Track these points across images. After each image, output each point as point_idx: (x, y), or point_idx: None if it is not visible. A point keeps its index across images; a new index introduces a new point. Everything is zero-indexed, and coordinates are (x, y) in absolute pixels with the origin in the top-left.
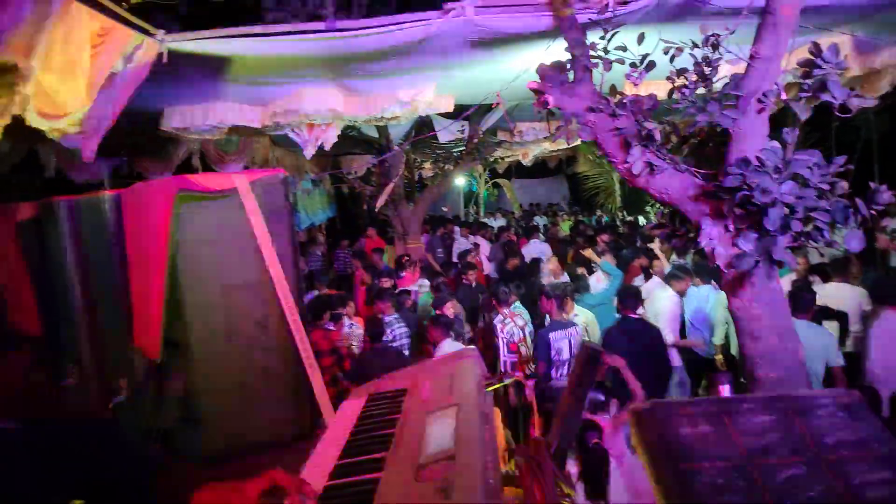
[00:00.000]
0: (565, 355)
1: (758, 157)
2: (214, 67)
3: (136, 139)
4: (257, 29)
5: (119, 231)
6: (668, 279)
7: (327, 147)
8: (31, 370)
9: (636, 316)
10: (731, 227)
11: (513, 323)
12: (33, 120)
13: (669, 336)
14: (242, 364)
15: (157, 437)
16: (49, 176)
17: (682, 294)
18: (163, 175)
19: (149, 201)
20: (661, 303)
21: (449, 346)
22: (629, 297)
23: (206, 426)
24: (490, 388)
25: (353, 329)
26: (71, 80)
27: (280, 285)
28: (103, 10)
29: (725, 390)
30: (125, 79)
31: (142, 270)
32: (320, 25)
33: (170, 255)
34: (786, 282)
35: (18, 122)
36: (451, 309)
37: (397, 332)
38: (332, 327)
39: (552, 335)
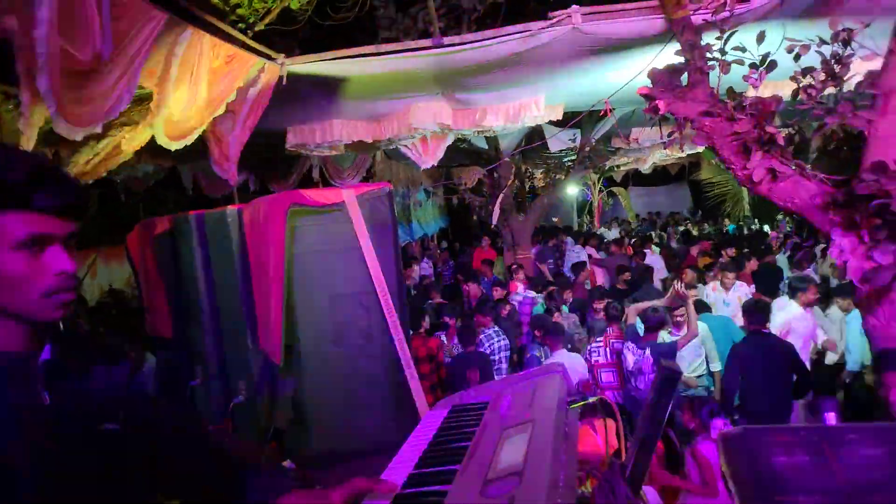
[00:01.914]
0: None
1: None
2: (331, 87)
3: (262, 156)
4: (369, 49)
5: (241, 242)
6: (793, 292)
7: (437, 159)
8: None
9: (767, 331)
10: (866, 238)
11: (606, 345)
12: (163, 142)
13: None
14: (348, 370)
15: (271, 436)
16: (189, 193)
17: (809, 306)
18: (287, 189)
19: (266, 215)
20: (789, 320)
21: (565, 356)
22: (758, 312)
23: (314, 428)
24: (574, 406)
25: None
26: (193, 106)
27: (384, 295)
28: (228, 37)
29: (831, 418)
30: (252, 102)
31: (262, 279)
32: (428, 42)
33: (286, 265)
34: None
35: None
36: (559, 317)
37: (496, 345)
38: (443, 336)
39: (630, 345)
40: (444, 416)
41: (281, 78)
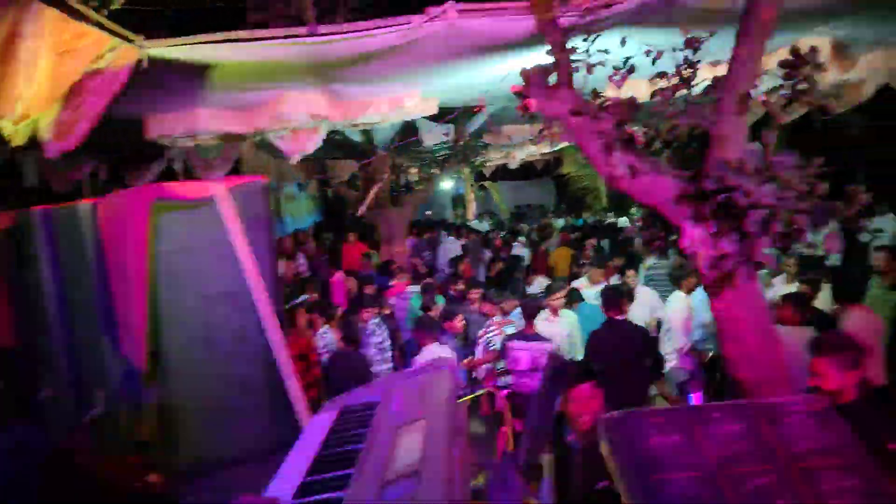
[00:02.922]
0: (522, 366)
1: (738, 160)
2: (197, 74)
3: (118, 146)
4: (240, 34)
5: (97, 240)
6: (676, 279)
7: (310, 151)
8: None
9: (622, 317)
10: (713, 230)
11: (497, 331)
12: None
13: (681, 339)
14: (220, 374)
15: (134, 449)
16: (30, 185)
17: (690, 292)
18: (146, 182)
19: (126, 210)
20: (672, 304)
21: (436, 350)
22: (614, 298)
23: (183, 438)
24: (462, 400)
25: (326, 335)
26: (35, 84)
27: (259, 294)
28: (77, 14)
29: (697, 398)
30: (99, 84)
31: (122, 280)
32: (302, 31)
33: (149, 264)
34: (779, 282)
35: None
36: (460, 322)
37: (380, 336)
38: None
39: (511, 343)
40: (332, 419)
41: (140, 61)
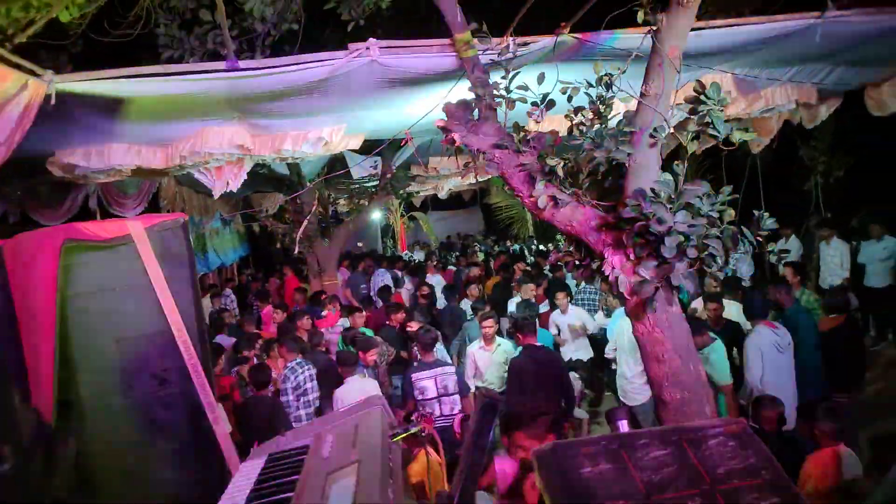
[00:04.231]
0: (430, 394)
1: (652, 189)
2: (109, 108)
3: (26, 185)
4: (155, 69)
5: (3, 285)
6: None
7: (235, 188)
8: None
9: (538, 344)
10: (632, 256)
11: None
12: None
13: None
14: (140, 421)
15: None
16: None
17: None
18: (58, 221)
19: (34, 252)
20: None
21: (355, 383)
22: (528, 325)
23: (102, 492)
24: (396, 439)
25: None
26: None
27: (180, 335)
28: None
29: (623, 426)
30: (9, 122)
31: (29, 327)
32: (221, 65)
33: (58, 309)
34: (699, 304)
35: None
36: (373, 356)
37: (301, 376)
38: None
39: (415, 375)
40: (261, 467)
41: (48, 96)
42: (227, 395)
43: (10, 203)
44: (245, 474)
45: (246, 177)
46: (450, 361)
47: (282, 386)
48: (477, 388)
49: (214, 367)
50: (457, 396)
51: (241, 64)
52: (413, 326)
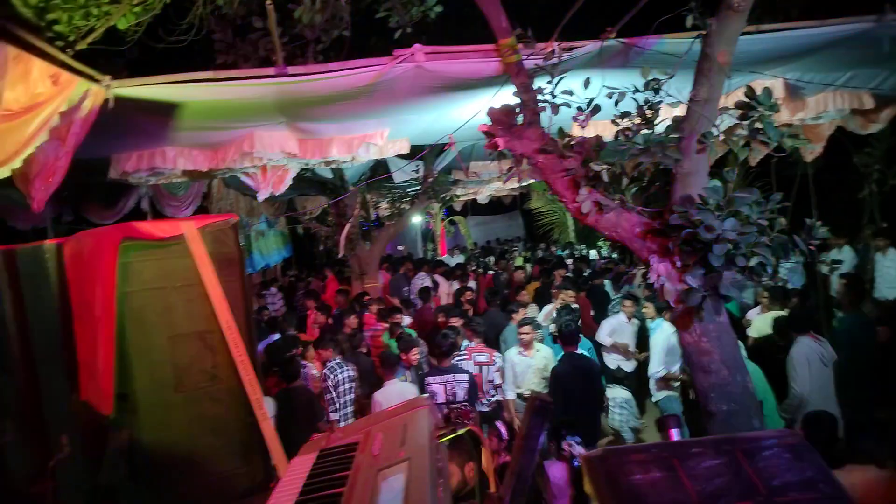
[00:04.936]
0: (438, 399)
1: (700, 196)
2: (163, 112)
3: (83, 185)
4: (206, 74)
5: (62, 281)
6: (660, 309)
7: (280, 191)
8: None
9: (578, 352)
10: (679, 264)
11: (467, 357)
12: None
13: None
14: (191, 416)
15: (101, 495)
16: None
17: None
18: (112, 221)
19: (93, 250)
20: (655, 332)
21: (395, 386)
22: (571, 334)
23: (153, 482)
24: (444, 439)
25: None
26: (13, 129)
27: (230, 333)
28: (48, 57)
29: (675, 434)
30: (73, 127)
31: (87, 322)
32: (271, 71)
33: (116, 305)
34: (754, 313)
35: None
36: (415, 355)
37: (340, 376)
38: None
39: (427, 379)
40: (312, 462)
41: (107, 101)
42: (273, 395)
43: (66, 203)
44: (297, 468)
45: (290, 182)
46: (466, 370)
47: (322, 385)
48: (532, 393)
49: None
50: (465, 406)
51: (290, 70)
52: (456, 323)
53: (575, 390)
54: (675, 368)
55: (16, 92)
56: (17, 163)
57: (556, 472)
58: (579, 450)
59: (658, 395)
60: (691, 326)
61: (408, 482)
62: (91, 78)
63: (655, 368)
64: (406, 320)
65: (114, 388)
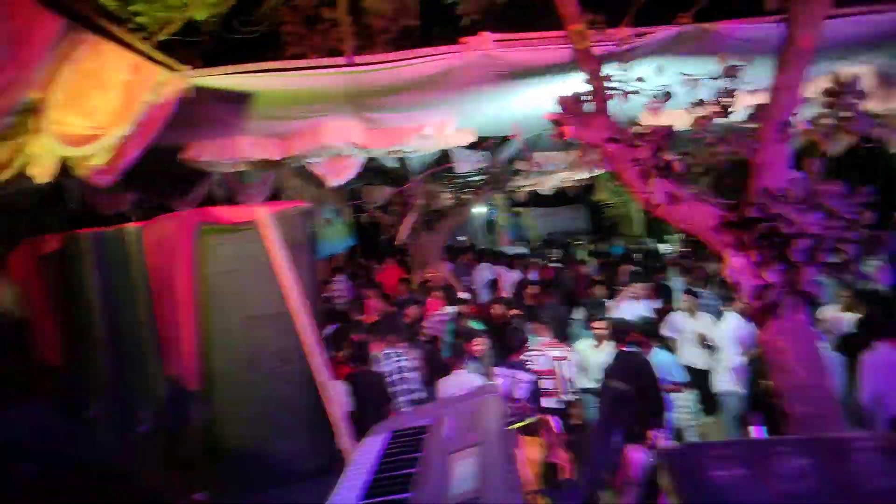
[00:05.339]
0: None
1: (781, 188)
2: (236, 101)
3: (161, 172)
4: (277, 64)
5: (142, 263)
6: (729, 301)
7: (346, 180)
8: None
9: (630, 349)
10: (756, 259)
11: (543, 353)
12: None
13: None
14: (263, 395)
15: (180, 468)
16: (74, 208)
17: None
18: (188, 207)
19: (171, 234)
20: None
21: (461, 376)
22: (621, 331)
23: (227, 457)
24: (513, 427)
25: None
26: (98, 115)
27: (300, 317)
28: (131, 48)
29: (759, 431)
30: (152, 114)
31: (168, 301)
32: (340, 60)
33: (197, 286)
34: (830, 310)
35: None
36: (478, 346)
37: (397, 364)
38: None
39: (496, 369)
40: (384, 443)
41: (184, 90)
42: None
43: (146, 190)
44: (368, 448)
45: (357, 171)
46: (531, 370)
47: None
48: (608, 383)
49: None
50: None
51: (358, 59)
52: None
53: (629, 392)
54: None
55: (101, 81)
56: (107, 141)
57: (637, 459)
58: (665, 443)
59: (722, 387)
60: (768, 324)
61: (480, 466)
62: (170, 68)
63: (724, 358)
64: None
65: (196, 365)
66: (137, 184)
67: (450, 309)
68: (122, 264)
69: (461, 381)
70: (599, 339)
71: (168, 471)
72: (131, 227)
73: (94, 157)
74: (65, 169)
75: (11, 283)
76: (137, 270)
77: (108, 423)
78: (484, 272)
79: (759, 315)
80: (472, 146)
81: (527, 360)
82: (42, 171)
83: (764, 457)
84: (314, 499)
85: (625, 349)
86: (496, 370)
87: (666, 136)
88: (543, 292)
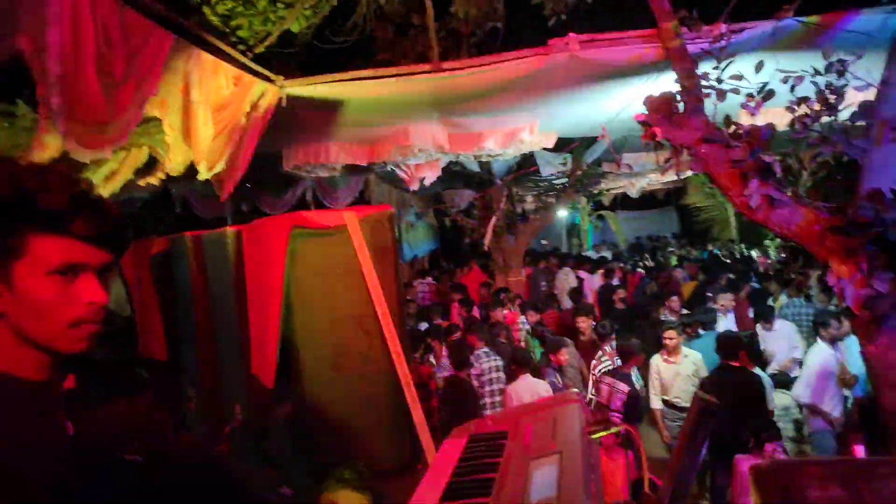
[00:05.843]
0: (601, 399)
1: (892, 190)
2: (327, 109)
3: (257, 177)
4: (367, 72)
5: (239, 264)
6: (817, 326)
7: (430, 182)
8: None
9: (736, 364)
10: (864, 266)
11: (610, 361)
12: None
13: (806, 394)
14: (347, 394)
15: (267, 462)
16: (178, 212)
17: (833, 343)
18: (281, 210)
19: (266, 236)
20: (811, 356)
21: (528, 381)
22: (728, 345)
23: (309, 454)
24: (595, 436)
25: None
26: (207, 128)
27: (384, 319)
28: (233, 61)
29: (860, 451)
30: (253, 124)
31: (259, 302)
32: (426, 66)
33: (285, 288)
34: None
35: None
36: (563, 356)
37: (485, 365)
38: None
39: (603, 377)
40: (462, 446)
41: (280, 100)
42: (425, 382)
43: (244, 194)
44: (447, 451)
45: (439, 174)
46: (630, 383)
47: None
48: (697, 394)
49: (417, 352)
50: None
51: (444, 64)
52: (582, 324)
53: (723, 405)
54: (827, 401)
55: (207, 93)
56: (220, 166)
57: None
58: (781, 456)
59: (811, 425)
60: (876, 336)
61: (560, 474)
62: (267, 78)
63: (800, 391)
64: (533, 318)
65: (276, 365)
66: (237, 189)
67: (527, 317)
68: (221, 265)
69: (527, 385)
70: (670, 350)
71: (256, 464)
72: (231, 229)
73: (217, 165)
74: (171, 177)
75: (123, 281)
76: (234, 271)
77: (202, 415)
78: (567, 277)
79: (865, 327)
80: (556, 148)
81: (631, 373)
82: (174, 167)
83: (864, 478)
84: (396, 498)
85: (733, 364)
86: (604, 378)
87: (764, 136)
88: (632, 298)
